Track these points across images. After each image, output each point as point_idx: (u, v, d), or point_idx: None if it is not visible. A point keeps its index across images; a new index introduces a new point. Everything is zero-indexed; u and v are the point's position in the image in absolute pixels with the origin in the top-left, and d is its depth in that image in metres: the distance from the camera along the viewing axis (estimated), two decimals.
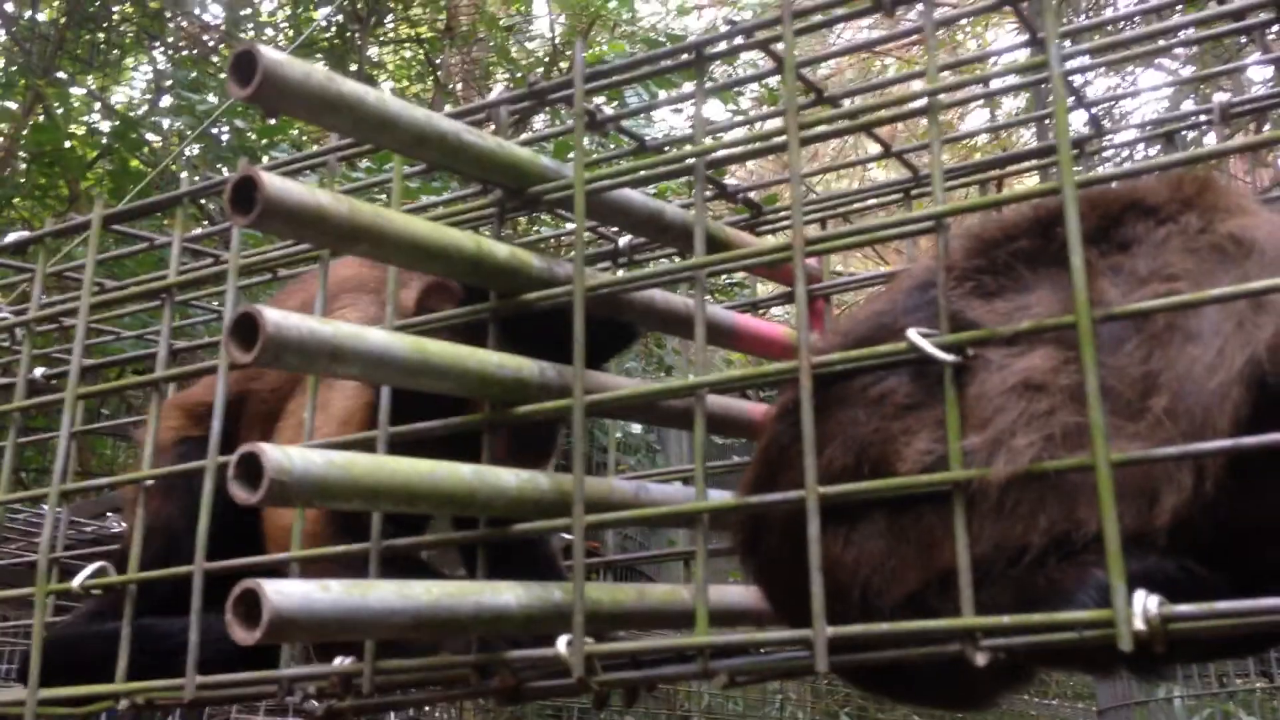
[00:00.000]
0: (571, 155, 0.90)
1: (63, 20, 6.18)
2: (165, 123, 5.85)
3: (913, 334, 0.79)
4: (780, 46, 0.90)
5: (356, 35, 6.64)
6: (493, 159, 0.92)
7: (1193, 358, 0.75)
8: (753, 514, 0.89)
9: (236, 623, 0.70)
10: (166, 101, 6.06)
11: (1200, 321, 0.77)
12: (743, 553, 0.91)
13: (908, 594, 0.79)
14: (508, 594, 0.85)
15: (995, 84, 1.34)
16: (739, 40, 0.94)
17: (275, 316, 0.72)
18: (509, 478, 0.88)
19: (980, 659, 0.71)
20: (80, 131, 6.08)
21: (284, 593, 0.70)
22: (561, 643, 0.82)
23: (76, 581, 1.03)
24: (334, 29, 6.66)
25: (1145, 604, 0.67)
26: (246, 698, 0.96)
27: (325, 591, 0.73)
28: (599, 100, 1.05)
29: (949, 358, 0.78)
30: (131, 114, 6.10)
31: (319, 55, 6.43)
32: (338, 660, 0.91)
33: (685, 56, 0.95)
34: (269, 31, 6.83)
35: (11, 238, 1.28)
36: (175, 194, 1.12)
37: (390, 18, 7.00)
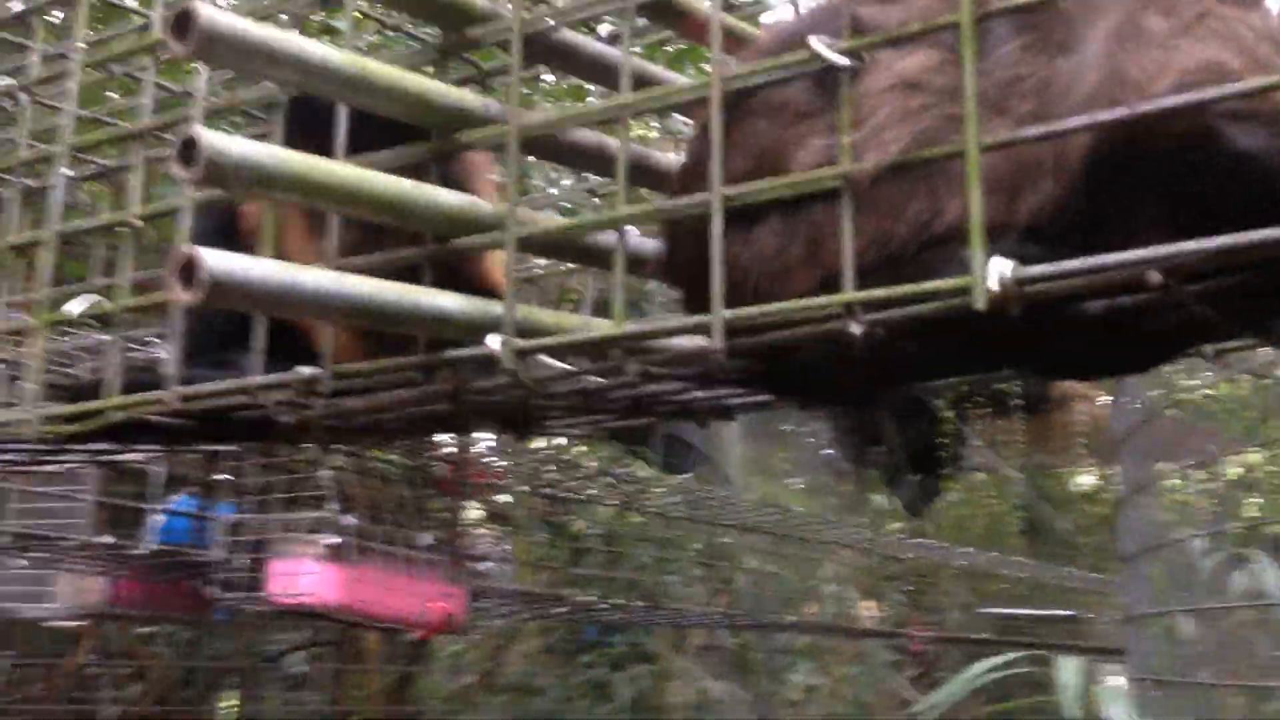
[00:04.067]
0: None
1: None
2: None
3: (813, 40, 0.83)
4: None
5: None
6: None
7: (1062, 70, 0.78)
8: (671, 222, 0.96)
9: (178, 285, 0.77)
10: None
11: (1078, 39, 0.80)
12: (665, 261, 0.98)
13: (797, 295, 0.85)
14: (447, 300, 0.93)
15: None
16: None
17: (210, 10, 0.78)
18: (449, 196, 0.94)
19: (856, 329, 0.77)
20: None
21: (222, 259, 0.78)
22: (493, 340, 0.90)
23: (73, 309, 1.12)
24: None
25: (1000, 268, 0.72)
26: (222, 408, 1.04)
27: (261, 265, 0.81)
28: None
29: (845, 61, 0.82)
30: None
31: None
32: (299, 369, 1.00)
33: None
34: None
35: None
36: None
37: None
